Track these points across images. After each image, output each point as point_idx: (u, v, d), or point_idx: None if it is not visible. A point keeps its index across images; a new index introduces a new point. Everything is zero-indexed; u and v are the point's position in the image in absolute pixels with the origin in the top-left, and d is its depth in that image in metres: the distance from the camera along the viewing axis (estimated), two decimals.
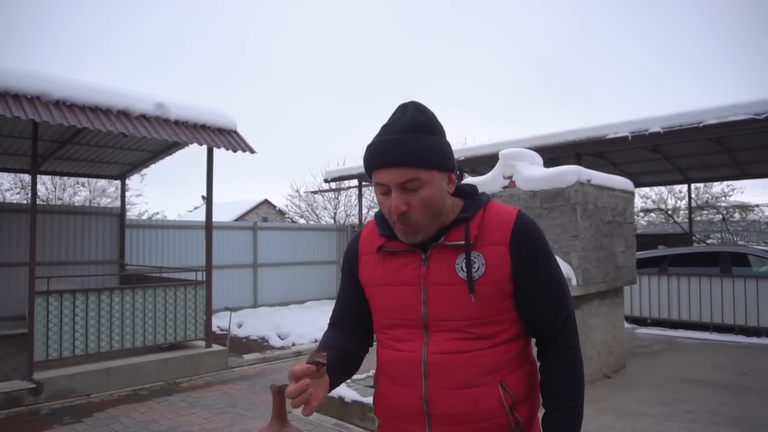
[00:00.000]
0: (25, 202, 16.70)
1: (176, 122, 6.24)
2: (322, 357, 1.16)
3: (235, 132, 6.83)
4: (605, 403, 4.73)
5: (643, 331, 8.41)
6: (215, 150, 6.61)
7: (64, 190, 18.63)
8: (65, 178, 17.60)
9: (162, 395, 5.48)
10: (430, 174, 1.19)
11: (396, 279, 1.31)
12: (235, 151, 6.56)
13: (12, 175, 15.85)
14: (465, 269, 1.23)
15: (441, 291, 1.25)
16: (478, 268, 1.23)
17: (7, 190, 17.59)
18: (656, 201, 20.70)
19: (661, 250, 9.75)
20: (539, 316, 1.29)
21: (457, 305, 1.23)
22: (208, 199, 6.90)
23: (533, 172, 5.21)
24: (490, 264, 1.23)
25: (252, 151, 6.69)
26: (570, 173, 5.01)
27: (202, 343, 6.67)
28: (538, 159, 5.58)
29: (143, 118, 5.97)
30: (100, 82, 5.90)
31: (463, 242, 1.24)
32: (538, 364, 1.35)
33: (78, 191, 18.87)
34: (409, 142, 1.18)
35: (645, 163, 11.39)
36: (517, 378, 1.27)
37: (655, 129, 7.80)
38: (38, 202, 17.36)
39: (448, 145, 1.25)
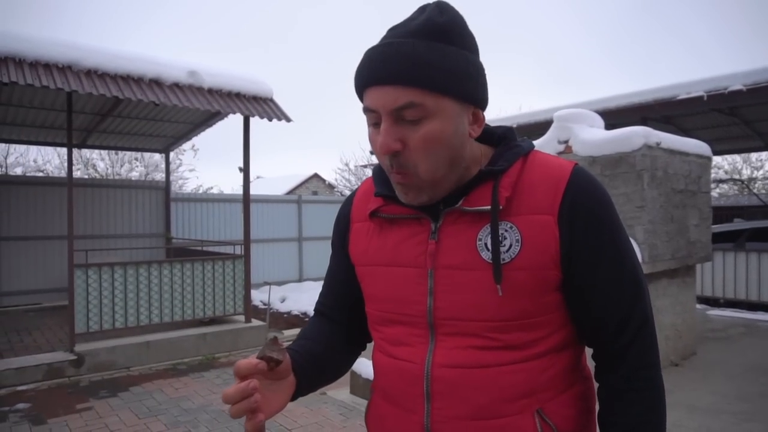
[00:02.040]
0: (86, 176, 17.38)
1: (210, 90, 6.00)
2: (279, 351, 0.82)
3: (271, 100, 6.53)
4: (674, 396, 4.19)
5: (715, 312, 7.64)
6: (257, 120, 6.36)
7: (121, 165, 19.26)
8: (121, 153, 18.14)
9: (198, 371, 5.39)
10: (440, 101, 0.81)
11: (394, 257, 0.94)
12: (270, 119, 6.28)
13: (74, 150, 16.37)
14: (491, 248, 0.85)
15: (455, 277, 0.88)
16: (510, 246, 0.85)
17: None
18: (729, 171, 19.14)
19: (738, 224, 8.83)
20: (601, 320, 0.88)
21: (478, 299, 0.86)
22: (245, 171, 6.69)
23: (593, 135, 4.62)
24: (529, 241, 0.85)
25: (288, 120, 6.39)
26: (636, 135, 4.40)
27: (242, 318, 6.56)
28: (599, 120, 4.97)
29: (176, 86, 5.77)
30: (133, 50, 5.74)
31: (488, 207, 0.86)
32: (596, 385, 0.93)
33: (135, 167, 19.46)
34: (413, 49, 0.80)
35: (719, 128, 10.29)
36: (563, 405, 0.89)
37: (736, 87, 6.89)
38: (96, 177, 18.09)
39: (476, 65, 0.85)
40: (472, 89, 0.84)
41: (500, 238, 0.85)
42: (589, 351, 0.96)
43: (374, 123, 0.86)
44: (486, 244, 0.86)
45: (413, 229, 0.92)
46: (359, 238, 1.02)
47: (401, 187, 0.88)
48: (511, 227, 0.85)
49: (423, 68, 0.79)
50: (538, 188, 0.86)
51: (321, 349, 1.00)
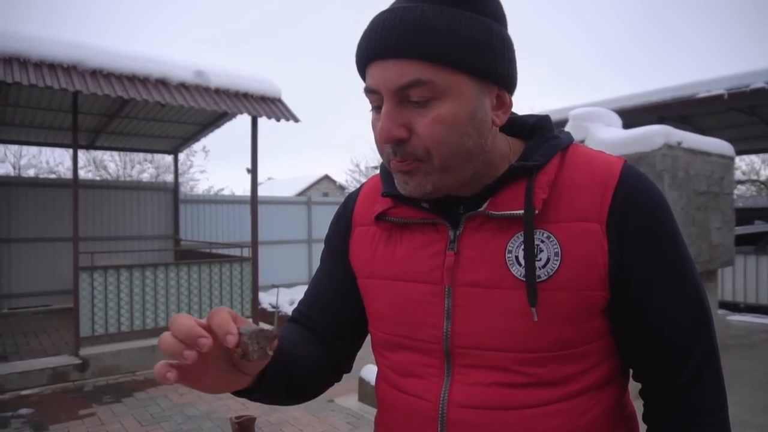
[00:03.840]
0: (98, 178, 17.45)
1: (216, 90, 5.91)
2: (261, 351, 0.61)
3: (279, 100, 6.43)
4: None
5: (736, 318, 7.39)
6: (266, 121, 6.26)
7: (132, 167, 19.35)
8: (132, 155, 18.20)
9: None
10: (453, 77, 0.67)
11: (404, 270, 0.79)
12: (278, 120, 6.18)
13: (84, 152, 16.47)
14: (524, 262, 0.70)
15: (478, 297, 0.73)
16: (548, 260, 0.70)
17: (81, 168, 18.41)
18: (746, 172, 18.78)
19: (760, 226, 8.57)
20: (658, 351, 0.73)
21: (506, 325, 0.71)
22: (253, 173, 6.60)
23: (610, 134, 4.45)
24: (570, 254, 0.70)
25: (296, 120, 6.28)
26: (657, 134, 4.22)
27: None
28: (616, 119, 4.79)
29: (182, 86, 5.68)
30: (141, 43, 5.68)
31: (521, 212, 0.70)
32: (645, 428, 0.78)
33: (146, 168, 19.55)
34: (421, 15, 0.65)
35: (738, 128, 10.01)
36: None
37: (759, 84, 6.66)
38: (108, 178, 18.17)
39: (501, 36, 0.70)
40: (495, 64, 0.68)
41: (536, 249, 0.70)
42: (634, 385, 0.81)
43: (377, 106, 0.72)
44: (517, 258, 0.71)
45: (428, 237, 0.77)
46: (362, 245, 0.86)
47: (402, 176, 0.73)
48: (548, 237, 0.70)
49: (432, 36, 0.64)
50: (581, 189, 0.71)
51: (291, 362, 0.79)
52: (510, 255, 0.71)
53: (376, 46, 0.67)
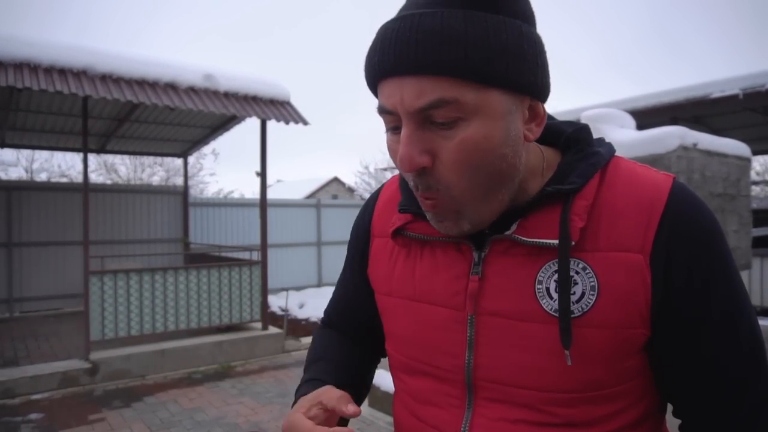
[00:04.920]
0: (108, 182, 17.57)
1: (226, 94, 5.90)
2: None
3: (288, 103, 6.41)
4: None
5: None
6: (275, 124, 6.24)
7: (143, 170, 19.46)
8: (143, 158, 18.32)
9: (214, 380, 5.26)
10: (483, 95, 0.58)
11: (424, 291, 0.73)
12: (287, 123, 6.15)
13: (95, 156, 16.59)
14: (556, 296, 0.63)
15: (504, 328, 0.67)
16: (583, 295, 0.63)
17: (92, 171, 18.55)
18: (760, 172, 18.53)
19: None
20: (705, 393, 0.64)
21: (534, 361, 0.65)
22: (262, 175, 6.58)
23: (624, 136, 4.37)
24: (608, 288, 0.62)
25: (305, 123, 6.25)
26: (671, 135, 4.14)
27: (259, 325, 6.43)
28: (630, 121, 4.71)
29: (191, 90, 5.68)
30: (149, 53, 5.68)
31: (554, 241, 0.63)
32: None
33: (156, 171, 19.66)
34: (442, 23, 0.57)
35: (752, 128, 9.86)
36: None
37: None
38: (119, 181, 18.29)
39: (532, 39, 0.61)
40: (528, 74, 0.60)
41: (571, 282, 0.63)
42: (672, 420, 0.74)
43: (393, 127, 0.64)
44: (548, 290, 0.64)
45: (449, 257, 0.71)
46: (381, 259, 0.80)
47: (433, 215, 0.67)
48: (583, 268, 0.63)
49: (456, 48, 0.56)
50: (623, 215, 0.63)
51: (347, 379, 0.83)
52: (540, 286, 0.65)
53: (391, 61, 0.59)
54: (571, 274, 0.63)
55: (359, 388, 0.87)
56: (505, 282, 0.67)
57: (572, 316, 0.62)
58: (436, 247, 0.73)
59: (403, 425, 0.78)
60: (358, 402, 0.84)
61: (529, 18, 0.62)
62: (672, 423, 0.75)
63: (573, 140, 0.71)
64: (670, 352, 0.65)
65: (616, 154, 0.71)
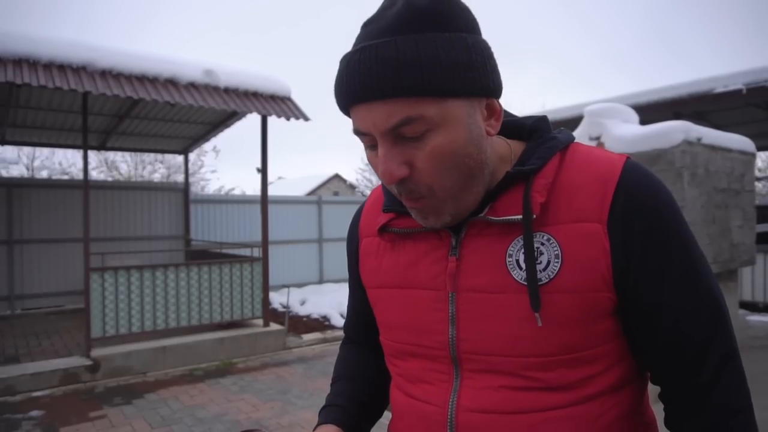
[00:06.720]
0: (109, 179, 17.55)
1: (226, 90, 5.88)
2: None
3: (289, 99, 6.38)
4: None
5: (756, 318, 7.23)
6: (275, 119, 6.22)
7: (144, 167, 19.44)
8: (144, 155, 18.30)
9: (215, 377, 5.25)
10: (443, 106, 0.66)
11: (409, 278, 0.81)
12: (288, 119, 6.13)
13: (96, 153, 16.58)
14: (524, 265, 0.70)
15: (481, 302, 0.73)
16: (548, 263, 0.70)
17: (93, 168, 18.54)
18: (762, 168, 18.49)
19: None
20: (674, 350, 0.71)
21: (510, 329, 0.71)
22: (263, 172, 6.56)
23: (627, 131, 4.34)
24: (571, 256, 0.69)
25: (306, 119, 6.23)
26: (675, 130, 4.11)
27: (260, 322, 6.42)
28: (633, 115, 4.68)
29: (191, 86, 5.66)
30: (149, 49, 5.66)
31: (519, 217, 0.71)
32: None
33: (157, 168, 19.64)
34: (397, 51, 0.64)
35: (755, 124, 9.81)
36: None
37: None
38: (119, 178, 18.27)
39: (478, 47, 0.68)
40: (480, 79, 0.67)
41: (536, 252, 0.70)
42: (653, 389, 0.78)
43: (370, 145, 0.72)
44: (518, 261, 0.71)
45: (430, 244, 0.79)
46: (369, 256, 0.88)
47: (417, 213, 0.74)
48: (548, 239, 0.70)
49: (413, 72, 0.63)
50: (581, 190, 0.71)
51: (365, 394, 0.92)
52: (510, 259, 0.72)
53: (358, 90, 0.66)
54: (537, 245, 0.70)
55: (379, 397, 0.94)
56: (480, 259, 0.74)
57: (540, 283, 0.69)
58: (418, 237, 0.80)
59: (398, 405, 0.84)
60: (382, 408, 0.94)
61: (472, 28, 0.69)
62: (654, 391, 0.79)
63: (533, 130, 0.78)
64: (636, 316, 0.71)
65: (611, 147, 0.77)
